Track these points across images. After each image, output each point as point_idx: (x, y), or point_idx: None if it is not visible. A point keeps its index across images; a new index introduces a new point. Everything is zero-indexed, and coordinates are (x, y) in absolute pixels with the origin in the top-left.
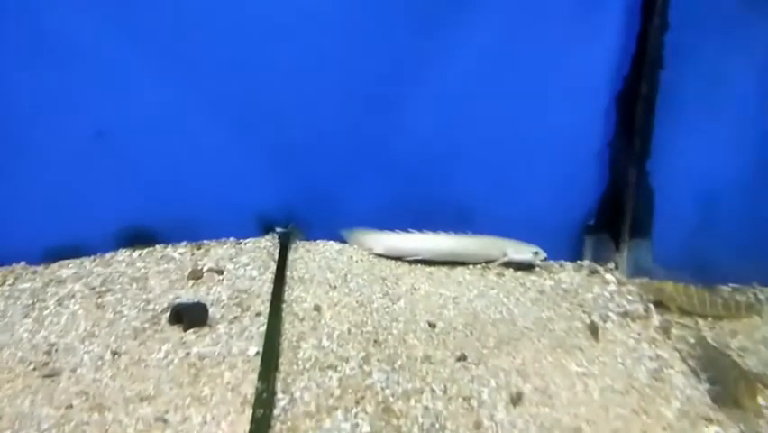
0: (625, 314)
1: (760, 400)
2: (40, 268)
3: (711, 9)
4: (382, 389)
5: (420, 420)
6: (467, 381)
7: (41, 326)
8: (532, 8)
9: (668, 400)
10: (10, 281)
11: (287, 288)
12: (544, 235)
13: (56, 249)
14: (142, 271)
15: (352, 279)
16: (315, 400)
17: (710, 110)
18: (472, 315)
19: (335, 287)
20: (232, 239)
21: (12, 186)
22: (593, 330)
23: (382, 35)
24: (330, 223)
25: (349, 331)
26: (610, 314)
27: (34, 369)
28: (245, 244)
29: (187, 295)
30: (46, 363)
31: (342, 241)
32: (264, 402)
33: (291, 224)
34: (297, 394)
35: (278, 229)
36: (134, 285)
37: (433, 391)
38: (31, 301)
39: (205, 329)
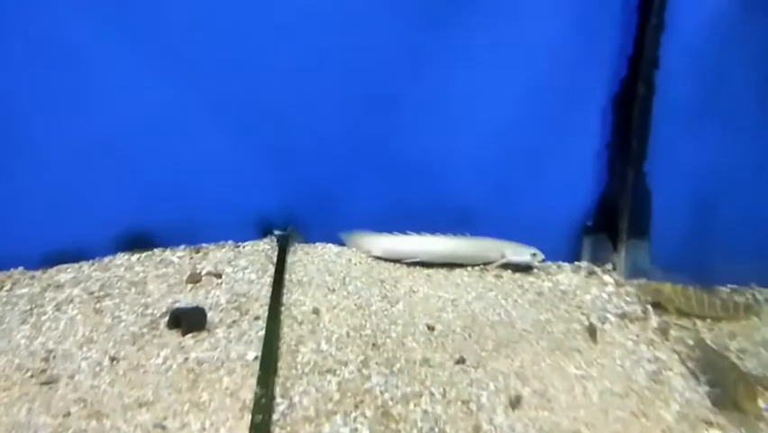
0: (623, 315)
1: (760, 403)
2: (38, 273)
3: (708, 9)
4: (381, 393)
5: (419, 424)
6: (466, 384)
7: (39, 332)
8: (530, 9)
9: (667, 403)
10: (8, 287)
11: (285, 291)
12: (541, 237)
13: (54, 253)
14: (141, 275)
15: (351, 281)
16: (314, 404)
17: (708, 111)
18: (471, 317)
19: (334, 290)
20: (230, 242)
21: (9, 189)
22: (591, 332)
23: (382, 37)
24: (329, 225)
25: (348, 334)
26: (608, 316)
27: (32, 376)
28: (244, 247)
29: (185, 299)
30: (44, 370)
31: (341, 243)
32: (263, 408)
33: (290, 226)
34: (296, 399)
35: (277, 232)
36: (133, 289)
37: (432, 394)
38: (29, 307)
39: (204, 334)
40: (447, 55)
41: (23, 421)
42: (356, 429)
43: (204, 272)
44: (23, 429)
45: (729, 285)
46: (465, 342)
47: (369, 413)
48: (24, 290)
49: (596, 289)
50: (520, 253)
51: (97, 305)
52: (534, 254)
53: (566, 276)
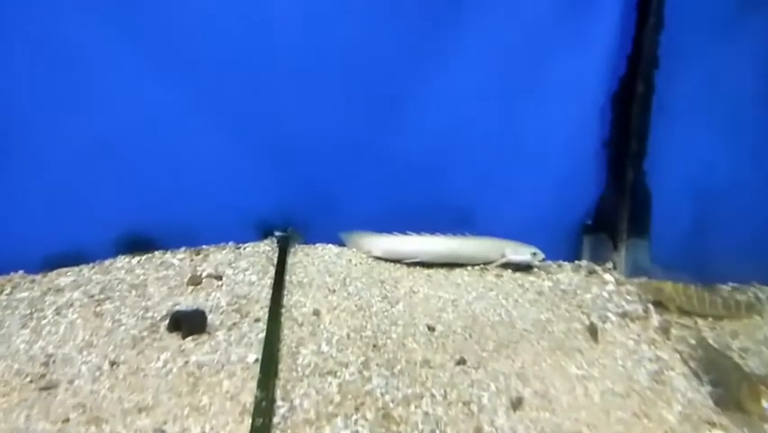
0: (624, 315)
1: (764, 404)
2: (38, 277)
3: (707, 8)
4: (382, 394)
5: (420, 426)
6: (467, 385)
7: (39, 336)
8: (528, 8)
9: (669, 404)
10: (8, 291)
11: (286, 292)
12: (542, 236)
13: (54, 257)
14: (141, 277)
15: (351, 282)
16: (314, 407)
17: (707, 109)
18: (471, 317)
19: (334, 291)
20: (231, 244)
21: (8, 192)
22: (592, 331)
23: (381, 38)
24: (329, 226)
25: (348, 336)
26: (609, 315)
27: (31, 381)
28: (244, 248)
29: (186, 302)
30: (43, 375)
31: (342, 244)
32: (263, 411)
33: (290, 227)
34: (297, 401)
35: (277, 233)
36: (133, 292)
37: (432, 396)
38: (29, 311)
39: (204, 336)
40: (445, 55)
41: (22, 428)
42: (357, 432)
43: (204, 274)
44: None
45: (730, 283)
46: (466, 342)
47: (369, 415)
48: (24, 294)
49: (596, 288)
50: (520, 252)
51: (98, 308)
52: (535, 254)
53: (566, 275)
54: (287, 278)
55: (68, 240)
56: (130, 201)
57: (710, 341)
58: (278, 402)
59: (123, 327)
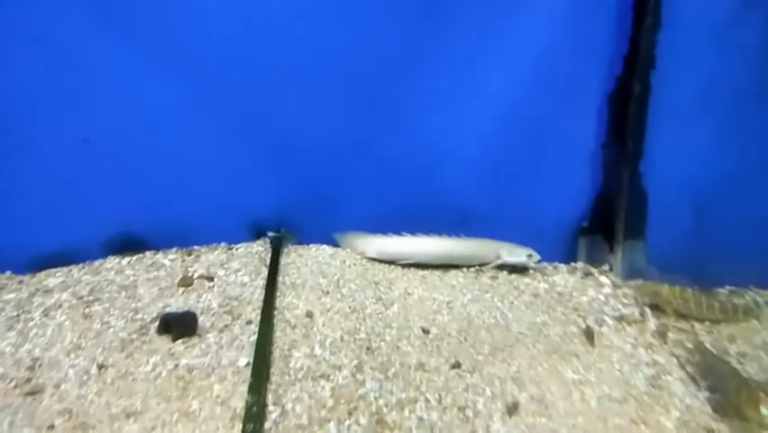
0: (620, 318)
1: (763, 411)
2: (26, 277)
3: (704, 8)
4: (375, 399)
5: (414, 432)
6: (462, 389)
7: (26, 339)
8: (526, 8)
9: (667, 410)
10: None
11: (278, 294)
12: (537, 237)
13: (43, 257)
14: (132, 278)
15: (345, 284)
16: (307, 411)
17: (704, 109)
18: (466, 320)
19: (328, 292)
20: (223, 244)
21: None
22: (589, 335)
23: (378, 37)
24: (323, 226)
25: (341, 338)
26: (606, 318)
27: (15, 386)
28: (237, 249)
29: (176, 303)
30: (29, 380)
31: (336, 245)
32: (254, 416)
33: (283, 228)
34: (289, 406)
35: (270, 233)
36: (123, 294)
37: (427, 400)
38: (15, 313)
39: (195, 339)
40: (442, 56)
41: None
42: None
43: (196, 275)
44: None
45: (728, 286)
46: (461, 345)
47: (363, 420)
48: (12, 296)
49: (592, 290)
50: (516, 253)
51: (86, 310)
52: (530, 255)
53: (562, 277)
54: (279, 279)
55: (57, 240)
56: (121, 201)
57: (708, 345)
58: (270, 407)
59: (111, 330)
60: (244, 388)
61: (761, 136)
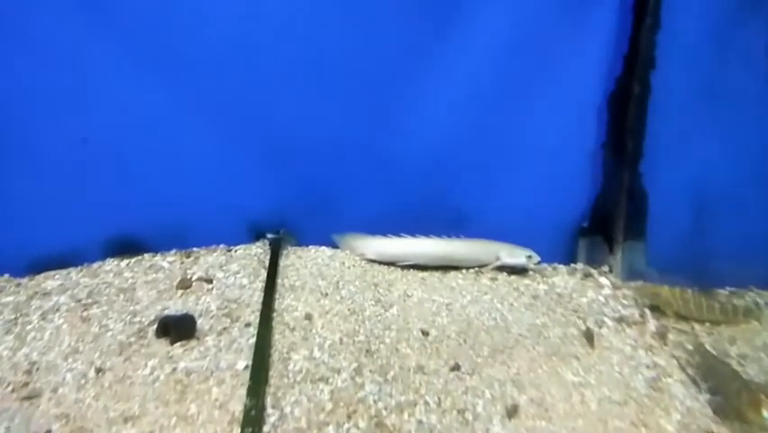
0: (620, 319)
1: (764, 414)
2: (24, 280)
3: (704, 8)
4: (375, 402)
5: None
6: (461, 392)
7: (23, 342)
8: (524, 10)
9: (668, 412)
10: None
11: (277, 296)
12: (537, 238)
13: (41, 260)
14: (130, 281)
15: (344, 285)
16: (305, 415)
17: (704, 110)
18: (466, 322)
19: (327, 294)
20: (222, 246)
21: None
22: (588, 337)
23: (377, 38)
24: (322, 228)
25: (341, 341)
26: (606, 319)
27: (13, 391)
28: (236, 251)
29: (175, 306)
30: (26, 384)
31: (335, 246)
32: (253, 420)
33: (282, 229)
34: (288, 409)
35: (270, 235)
36: (121, 296)
37: (426, 403)
38: (13, 316)
39: (193, 342)
40: (440, 58)
41: None
42: None
43: (194, 278)
44: None
45: (728, 288)
46: (460, 348)
47: (362, 424)
48: (9, 299)
49: (592, 291)
50: (515, 255)
51: (84, 313)
52: (530, 256)
53: (562, 278)
54: (278, 281)
55: (55, 242)
56: (119, 203)
57: (708, 347)
58: (269, 410)
59: (110, 333)
60: (243, 391)
61: (761, 136)
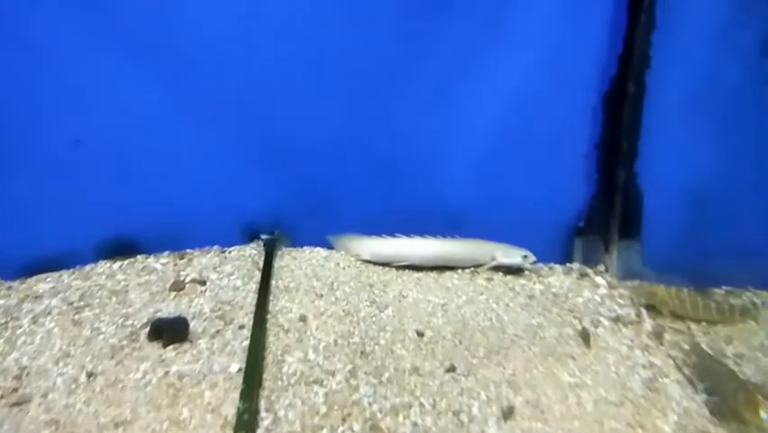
0: (616, 319)
1: (762, 414)
2: (15, 283)
3: (699, 8)
4: (369, 404)
5: None
6: (456, 394)
7: (14, 347)
8: (521, 9)
9: (664, 413)
10: None
11: (272, 298)
12: (533, 238)
13: (33, 262)
14: (123, 283)
15: (339, 286)
16: (299, 418)
17: (699, 110)
18: (461, 322)
19: (322, 295)
20: (216, 247)
21: None
22: (584, 337)
23: (376, 38)
24: (317, 229)
25: (335, 342)
26: (602, 319)
27: (2, 397)
28: (229, 252)
29: (168, 308)
30: (15, 390)
31: (330, 247)
32: (246, 423)
33: (277, 230)
34: (282, 413)
35: (264, 236)
36: (114, 299)
37: (422, 405)
38: (4, 320)
39: (186, 345)
40: (440, 57)
41: None
42: None
43: (188, 280)
44: None
45: (724, 287)
46: (456, 349)
47: (357, 427)
48: (0, 302)
49: (588, 291)
50: (511, 255)
51: (76, 316)
52: (526, 256)
53: (558, 278)
54: (273, 282)
55: (47, 244)
56: (112, 204)
57: (704, 347)
58: (262, 414)
59: (101, 336)
60: (236, 395)
61: (756, 136)
